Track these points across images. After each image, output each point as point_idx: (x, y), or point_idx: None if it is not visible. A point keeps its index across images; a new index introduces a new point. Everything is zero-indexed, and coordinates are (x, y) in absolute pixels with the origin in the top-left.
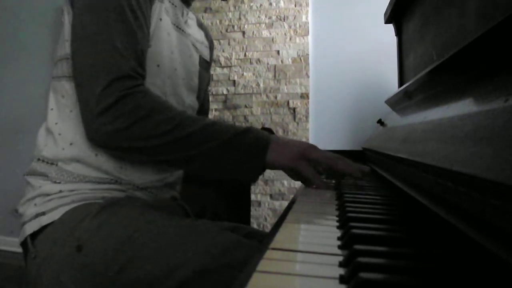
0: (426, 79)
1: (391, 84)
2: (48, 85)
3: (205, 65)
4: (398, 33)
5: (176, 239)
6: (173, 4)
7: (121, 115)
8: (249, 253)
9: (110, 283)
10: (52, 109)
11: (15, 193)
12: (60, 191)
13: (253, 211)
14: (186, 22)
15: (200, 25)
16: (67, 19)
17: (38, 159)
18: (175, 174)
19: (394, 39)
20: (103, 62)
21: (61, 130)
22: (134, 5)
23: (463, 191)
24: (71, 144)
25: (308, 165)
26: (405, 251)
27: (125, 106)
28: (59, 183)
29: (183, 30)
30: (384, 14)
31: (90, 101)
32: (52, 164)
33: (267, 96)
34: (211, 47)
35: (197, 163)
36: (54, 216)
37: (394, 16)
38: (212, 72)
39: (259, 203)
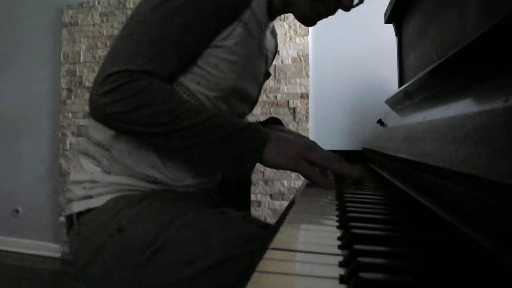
0: (426, 79)
1: (391, 84)
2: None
3: (266, 75)
4: (398, 33)
5: (204, 229)
6: (259, 21)
7: (123, 99)
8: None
9: (145, 262)
10: None
11: (15, 193)
12: (109, 183)
13: (253, 211)
14: (266, 35)
15: (272, 32)
16: None
17: (94, 142)
18: (213, 181)
19: (394, 39)
20: (131, 52)
21: None
22: (200, 21)
23: (463, 191)
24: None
25: (306, 165)
26: (405, 251)
27: (129, 91)
28: (109, 174)
29: (262, 48)
30: (384, 14)
31: (98, 79)
32: (106, 150)
33: (267, 96)
34: (275, 54)
35: (191, 155)
36: (100, 201)
37: (394, 16)
38: None
39: (259, 203)
